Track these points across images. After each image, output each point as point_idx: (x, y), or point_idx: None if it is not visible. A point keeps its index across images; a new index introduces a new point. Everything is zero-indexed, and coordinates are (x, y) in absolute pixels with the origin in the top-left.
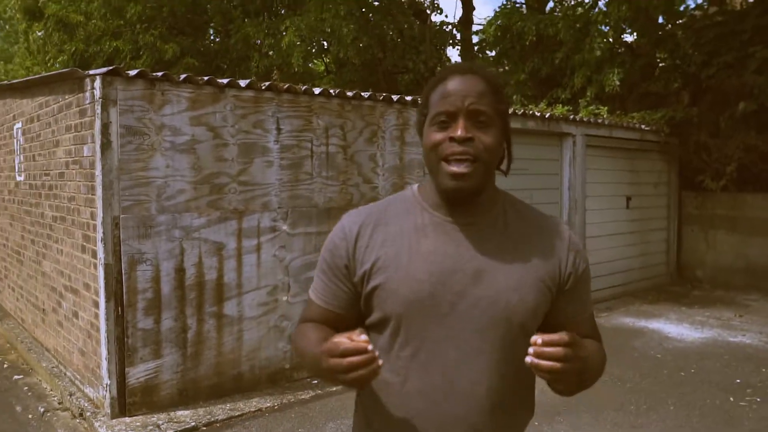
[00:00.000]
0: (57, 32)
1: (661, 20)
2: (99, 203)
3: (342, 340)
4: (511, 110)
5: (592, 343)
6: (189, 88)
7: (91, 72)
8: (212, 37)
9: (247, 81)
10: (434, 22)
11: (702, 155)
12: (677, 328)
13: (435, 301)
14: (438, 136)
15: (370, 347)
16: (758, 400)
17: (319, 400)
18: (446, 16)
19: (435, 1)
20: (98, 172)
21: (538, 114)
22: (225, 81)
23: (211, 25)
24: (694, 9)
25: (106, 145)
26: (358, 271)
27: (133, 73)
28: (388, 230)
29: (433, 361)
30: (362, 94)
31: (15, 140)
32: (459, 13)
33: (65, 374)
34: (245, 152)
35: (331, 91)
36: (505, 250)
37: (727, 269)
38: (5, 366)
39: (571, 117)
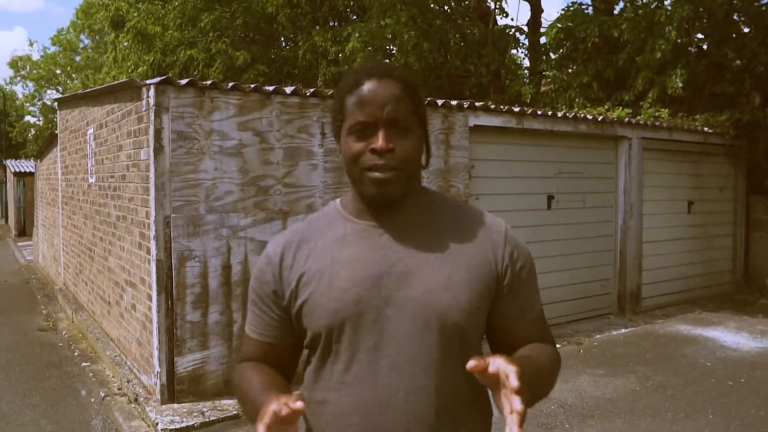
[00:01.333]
0: (137, 44)
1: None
2: (152, 203)
3: (275, 410)
4: (561, 114)
5: (538, 352)
6: (237, 95)
7: (147, 82)
8: (283, 45)
9: (293, 88)
10: (499, 25)
11: None
12: (734, 337)
13: (361, 308)
14: (357, 146)
15: (273, 407)
16: None
17: None
18: (512, 20)
19: (501, 4)
20: (151, 174)
21: (590, 117)
22: (271, 88)
23: (282, 33)
24: (760, 6)
25: (158, 150)
26: (286, 292)
27: (183, 82)
28: (310, 246)
29: (366, 373)
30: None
31: (88, 145)
32: (527, 15)
33: (125, 362)
34: (290, 156)
35: None
36: (433, 249)
37: None
38: (76, 354)
39: (626, 120)
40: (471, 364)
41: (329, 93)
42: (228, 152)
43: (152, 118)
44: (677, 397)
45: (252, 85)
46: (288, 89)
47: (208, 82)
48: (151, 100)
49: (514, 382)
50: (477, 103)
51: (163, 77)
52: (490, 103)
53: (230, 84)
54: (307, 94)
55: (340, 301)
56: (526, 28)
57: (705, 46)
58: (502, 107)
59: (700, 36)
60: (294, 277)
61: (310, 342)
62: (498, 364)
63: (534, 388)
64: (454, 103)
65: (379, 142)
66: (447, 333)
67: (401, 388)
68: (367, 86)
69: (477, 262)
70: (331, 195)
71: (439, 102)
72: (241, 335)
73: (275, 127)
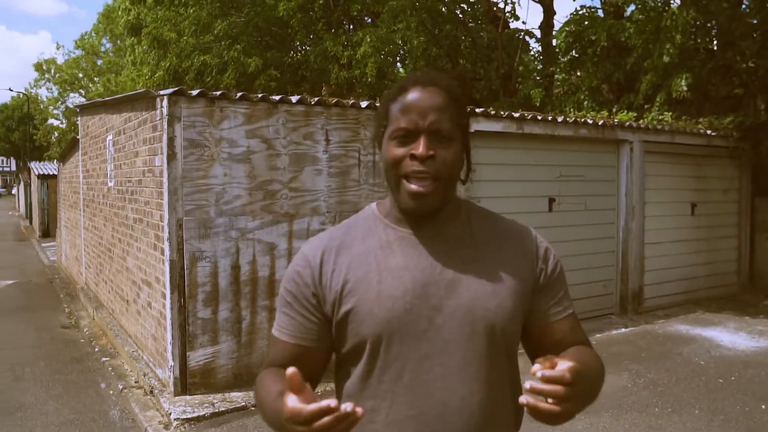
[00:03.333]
0: (153, 49)
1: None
2: (165, 207)
3: (298, 405)
4: (561, 118)
5: (588, 356)
6: (245, 104)
7: (161, 92)
8: (298, 48)
9: (298, 97)
10: (510, 29)
11: None
12: (732, 337)
13: (412, 317)
14: (398, 151)
15: (333, 403)
16: None
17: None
18: (524, 23)
19: (513, 8)
20: (165, 179)
21: (591, 122)
22: (277, 98)
23: (295, 38)
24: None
25: (171, 156)
26: (328, 297)
27: (195, 92)
28: (352, 252)
29: (419, 382)
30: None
31: (107, 150)
32: (541, 18)
33: (142, 357)
34: (296, 161)
35: (377, 104)
36: (475, 257)
37: None
38: (96, 349)
39: (627, 124)
40: (535, 369)
41: (333, 101)
42: (237, 158)
43: (165, 126)
44: (666, 394)
45: (259, 95)
46: (294, 98)
47: (218, 93)
48: (165, 110)
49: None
50: (477, 110)
51: (176, 89)
52: (490, 109)
53: (239, 94)
54: (312, 102)
55: (391, 310)
56: (537, 31)
57: (713, 48)
58: (502, 113)
59: (705, 39)
60: (337, 282)
61: (352, 350)
62: (563, 368)
63: (583, 403)
64: None
65: (420, 148)
66: (495, 339)
67: (456, 394)
68: (412, 94)
69: (515, 266)
70: (335, 199)
71: None
72: (251, 331)
73: (281, 135)
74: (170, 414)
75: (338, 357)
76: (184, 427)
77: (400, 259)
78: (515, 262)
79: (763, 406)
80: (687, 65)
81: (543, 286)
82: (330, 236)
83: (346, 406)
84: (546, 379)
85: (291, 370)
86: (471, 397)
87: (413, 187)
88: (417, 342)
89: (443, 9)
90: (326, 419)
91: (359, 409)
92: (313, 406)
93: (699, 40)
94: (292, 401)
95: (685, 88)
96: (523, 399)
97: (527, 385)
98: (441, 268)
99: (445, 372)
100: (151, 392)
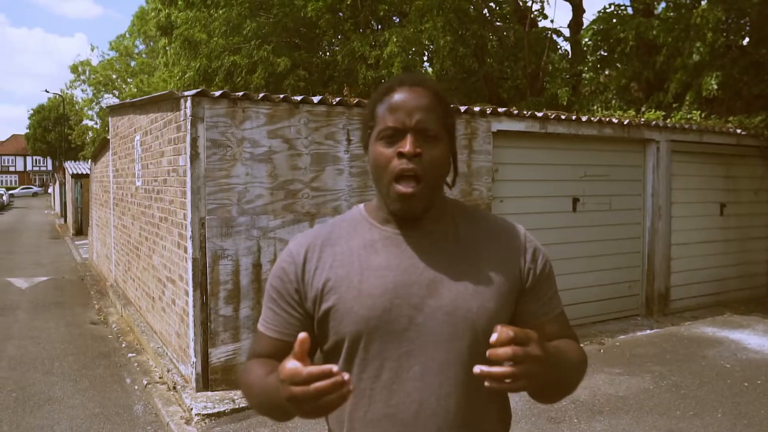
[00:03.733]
0: (184, 50)
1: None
2: (188, 206)
3: (298, 366)
4: (585, 118)
5: (565, 342)
6: (267, 105)
7: (185, 93)
8: (326, 49)
9: (319, 97)
10: (539, 28)
11: None
12: (760, 340)
13: (392, 316)
14: (386, 151)
15: (335, 368)
16: None
17: None
18: (552, 21)
19: (542, 7)
20: (188, 179)
21: (616, 121)
22: (299, 98)
23: (324, 38)
24: None
25: (194, 156)
26: (309, 294)
27: (217, 93)
28: (335, 250)
29: (397, 380)
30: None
31: (135, 150)
32: (570, 16)
33: (166, 353)
34: (317, 161)
35: None
36: (460, 257)
37: None
38: (123, 345)
39: (654, 123)
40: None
41: (355, 101)
42: (258, 158)
43: (189, 127)
44: (689, 396)
45: (281, 96)
46: (315, 99)
47: (240, 94)
48: (188, 111)
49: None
50: (500, 109)
51: (199, 90)
52: (513, 108)
53: (260, 95)
54: (334, 103)
55: (372, 309)
56: (567, 30)
57: (744, 46)
58: (525, 112)
59: (736, 36)
60: (319, 280)
61: (333, 347)
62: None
63: (553, 376)
64: (476, 109)
65: (407, 146)
66: (476, 339)
67: (433, 394)
68: (398, 94)
69: (501, 267)
70: (357, 199)
71: (462, 108)
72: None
73: (303, 135)
74: (191, 409)
75: (322, 354)
76: (205, 423)
77: (382, 258)
78: (501, 262)
79: None
80: (718, 63)
81: (531, 286)
82: (315, 234)
83: (345, 375)
84: (494, 343)
85: (303, 334)
86: (448, 399)
87: (401, 188)
88: (397, 341)
89: (470, 8)
90: (325, 382)
91: (352, 386)
92: (315, 368)
93: (731, 37)
94: (292, 363)
95: (715, 87)
96: (477, 369)
97: (476, 369)
98: (423, 268)
99: (424, 372)
100: (174, 388)
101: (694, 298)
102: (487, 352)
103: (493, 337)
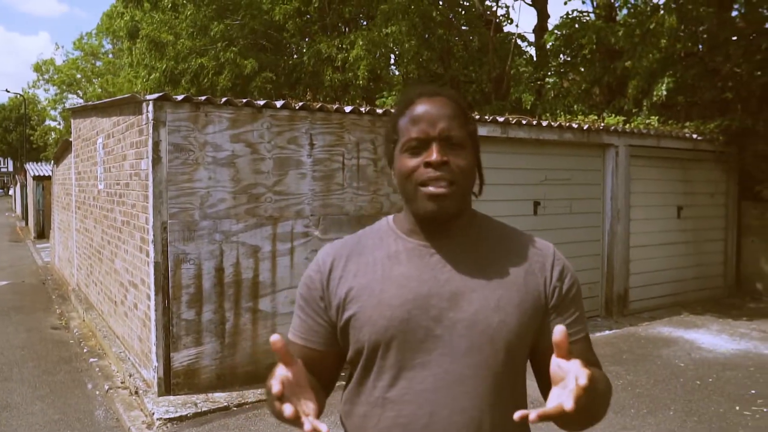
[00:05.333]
0: (150, 51)
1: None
2: (150, 210)
3: (285, 406)
4: (545, 123)
5: (595, 372)
6: (229, 109)
7: (147, 97)
8: (294, 51)
9: (282, 102)
10: (504, 33)
11: (760, 165)
12: (714, 339)
13: (410, 326)
14: (412, 162)
15: (310, 424)
16: (765, 410)
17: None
18: (516, 26)
19: (507, 12)
20: (150, 183)
21: (576, 126)
22: (262, 102)
23: (291, 40)
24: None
25: (156, 160)
26: (333, 302)
27: (180, 98)
28: (361, 260)
29: (410, 391)
30: (392, 111)
31: (98, 153)
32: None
33: (128, 358)
34: (280, 165)
35: (362, 108)
36: (483, 271)
37: None
38: (85, 350)
39: (612, 128)
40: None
41: (318, 106)
42: (221, 162)
43: (151, 131)
44: (644, 395)
45: (244, 100)
46: (278, 103)
47: (203, 98)
48: (150, 115)
49: (582, 380)
50: None
51: (161, 93)
52: (476, 113)
53: (223, 99)
54: (297, 107)
55: (390, 319)
56: (531, 35)
57: (700, 53)
58: (487, 117)
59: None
60: (343, 289)
61: (354, 356)
62: (571, 366)
63: (592, 410)
64: None
65: (434, 154)
66: (496, 355)
67: (445, 407)
68: (420, 106)
69: (526, 283)
70: (319, 202)
71: None
72: (235, 332)
73: (266, 139)
74: (153, 414)
75: (347, 362)
76: (167, 427)
77: (405, 269)
78: (526, 278)
79: (737, 408)
80: (671, 70)
81: (556, 305)
82: (343, 244)
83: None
84: (542, 416)
85: (274, 337)
86: (462, 413)
87: (431, 189)
88: (413, 352)
89: (435, 13)
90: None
91: (323, 428)
92: (290, 411)
93: (689, 44)
94: (281, 371)
95: (664, 92)
96: (518, 414)
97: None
98: (446, 280)
99: (438, 384)
100: (136, 392)
101: (652, 299)
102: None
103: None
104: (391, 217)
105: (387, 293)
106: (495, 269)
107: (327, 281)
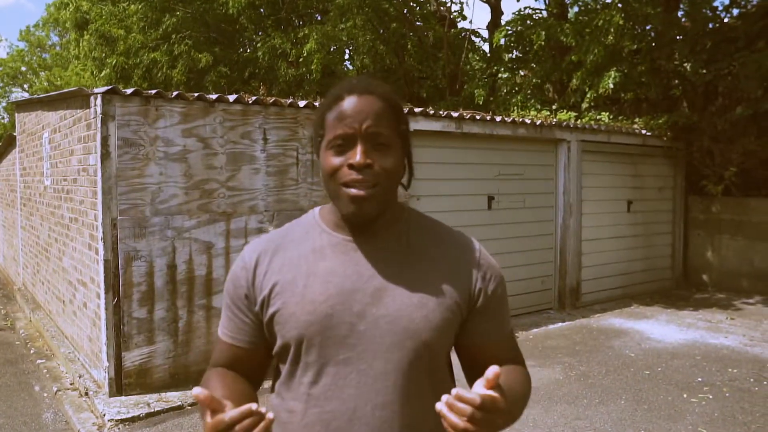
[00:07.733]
0: (99, 46)
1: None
2: (99, 206)
3: (219, 416)
4: (499, 118)
5: (514, 374)
6: (181, 103)
7: (95, 90)
8: (248, 45)
9: (235, 96)
10: (458, 29)
11: (705, 160)
12: (662, 329)
13: (333, 322)
14: (336, 161)
15: (254, 407)
16: (710, 397)
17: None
18: (470, 23)
19: (461, 8)
20: (99, 179)
21: (529, 121)
22: (214, 96)
23: (244, 35)
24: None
25: (105, 156)
26: (258, 298)
27: (129, 91)
28: (286, 255)
29: (334, 386)
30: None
31: (44, 148)
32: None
33: (78, 358)
34: (233, 160)
35: (316, 103)
36: (408, 267)
37: (733, 273)
38: (32, 352)
39: (564, 123)
40: (454, 390)
41: (271, 101)
42: (173, 158)
43: (99, 125)
44: (596, 385)
45: (195, 94)
46: (231, 97)
47: (153, 92)
48: (98, 109)
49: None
50: (416, 109)
51: (109, 87)
52: (429, 109)
53: (174, 93)
54: (250, 102)
55: (313, 314)
56: (485, 31)
57: (645, 50)
58: (441, 113)
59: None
60: (267, 284)
61: (280, 351)
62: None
63: (508, 415)
64: None
65: (357, 156)
66: (417, 351)
67: (368, 402)
68: (348, 101)
69: (450, 280)
70: (273, 198)
71: None
72: (188, 330)
73: (218, 134)
74: (104, 415)
75: (274, 356)
76: (119, 428)
77: (329, 264)
78: (451, 275)
79: (685, 395)
80: (616, 66)
81: (481, 307)
82: (269, 239)
83: (262, 409)
84: (458, 398)
85: (197, 390)
86: (384, 408)
87: (352, 191)
88: (337, 347)
89: (389, 8)
90: (247, 421)
91: (270, 415)
92: (235, 412)
93: (636, 42)
94: (210, 417)
95: (611, 86)
96: (439, 405)
97: (444, 397)
98: (369, 276)
99: (361, 380)
100: (86, 394)
101: (603, 291)
102: (445, 399)
103: (454, 390)
104: (318, 209)
105: (311, 288)
106: (420, 265)
107: (252, 277)
